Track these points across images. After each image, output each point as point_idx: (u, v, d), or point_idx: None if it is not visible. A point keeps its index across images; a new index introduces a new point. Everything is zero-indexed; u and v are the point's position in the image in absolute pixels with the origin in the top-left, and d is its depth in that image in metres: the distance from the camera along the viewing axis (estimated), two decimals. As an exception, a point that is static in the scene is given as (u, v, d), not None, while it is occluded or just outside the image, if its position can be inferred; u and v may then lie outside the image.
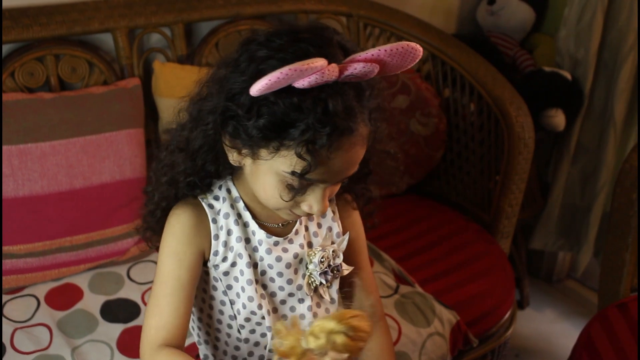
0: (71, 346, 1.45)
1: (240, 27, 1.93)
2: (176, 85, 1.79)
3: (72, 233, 1.63)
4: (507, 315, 1.75)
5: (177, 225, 1.02)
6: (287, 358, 0.76)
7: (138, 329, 1.50)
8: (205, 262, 1.04)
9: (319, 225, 1.11)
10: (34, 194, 1.58)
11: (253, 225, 1.05)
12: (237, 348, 1.10)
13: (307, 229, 1.10)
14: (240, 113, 0.90)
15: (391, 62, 0.89)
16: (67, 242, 1.63)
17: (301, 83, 0.85)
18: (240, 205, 1.05)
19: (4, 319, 1.51)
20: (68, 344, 1.45)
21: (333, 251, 1.09)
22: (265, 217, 1.06)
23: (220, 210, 1.04)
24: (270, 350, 1.09)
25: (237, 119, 0.91)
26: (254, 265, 1.05)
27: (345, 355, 0.76)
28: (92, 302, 1.58)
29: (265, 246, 1.05)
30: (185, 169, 1.01)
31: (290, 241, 1.07)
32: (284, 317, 1.10)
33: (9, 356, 1.42)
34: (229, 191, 1.05)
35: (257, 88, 0.85)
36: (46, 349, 1.44)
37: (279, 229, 1.07)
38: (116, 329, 1.50)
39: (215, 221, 1.03)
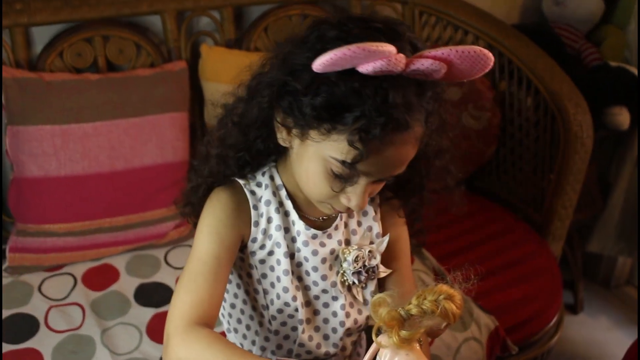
0: (102, 327, 1.46)
1: (291, 11, 1.89)
2: (223, 70, 1.77)
3: (111, 214, 1.64)
4: (552, 323, 1.67)
5: (219, 206, 1.00)
6: (389, 327, 0.78)
7: (169, 314, 1.50)
8: (242, 248, 1.02)
9: (359, 224, 1.08)
10: (75, 174, 1.60)
11: (293, 215, 1.02)
12: (266, 339, 1.08)
13: (346, 225, 1.06)
14: (298, 88, 0.88)
15: (460, 65, 0.85)
16: (107, 223, 1.64)
17: (366, 68, 0.82)
18: (283, 193, 1.02)
19: (41, 296, 1.54)
20: (99, 325, 1.46)
21: (369, 251, 1.05)
22: (306, 208, 1.03)
23: (262, 197, 1.02)
24: (300, 345, 1.07)
25: (294, 94, 0.89)
26: (291, 255, 1.03)
27: (445, 323, 0.78)
28: (127, 284, 1.59)
29: (303, 238, 1.02)
30: (236, 143, 0.99)
31: (329, 236, 1.04)
32: (317, 312, 1.07)
33: (42, 333, 1.44)
34: (272, 178, 1.03)
35: (320, 62, 0.82)
36: (78, 328, 1.46)
37: (319, 223, 1.05)
38: (147, 312, 1.51)
39: (256, 208, 1.01)
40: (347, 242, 1.06)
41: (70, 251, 1.62)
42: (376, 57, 0.81)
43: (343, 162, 0.88)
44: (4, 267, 1.60)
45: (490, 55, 0.85)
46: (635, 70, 2.02)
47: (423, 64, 0.84)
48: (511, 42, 1.88)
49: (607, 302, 2.43)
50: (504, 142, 1.95)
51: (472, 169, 1.96)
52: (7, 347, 1.41)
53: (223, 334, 1.16)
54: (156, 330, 1.46)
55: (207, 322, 0.92)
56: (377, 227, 1.08)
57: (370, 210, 1.08)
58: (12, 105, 1.57)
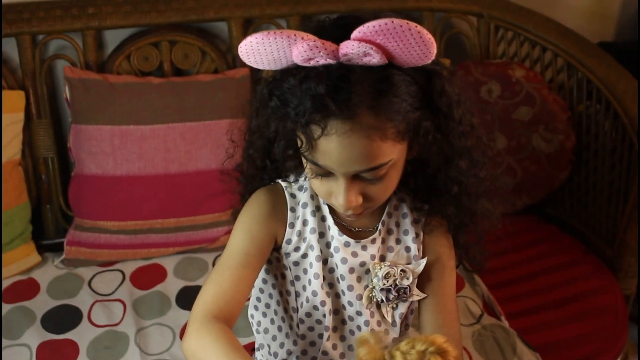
0: (138, 326, 1.49)
1: (360, 22, 1.85)
2: (285, 78, 1.77)
3: (163, 216, 1.67)
4: (611, 366, 1.53)
5: (255, 205, 1.02)
6: None
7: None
8: (278, 248, 1.03)
9: (398, 241, 1.04)
10: (130, 174, 1.64)
11: (329, 220, 1.02)
12: (294, 343, 1.07)
13: (384, 241, 1.03)
14: (264, 93, 0.91)
15: (389, 44, 0.81)
16: (158, 224, 1.67)
17: (296, 57, 0.83)
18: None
19: (90, 290, 1.59)
20: (136, 324, 1.49)
21: (402, 270, 1.01)
22: (343, 216, 1.01)
23: (300, 200, 1.02)
24: (324, 353, 1.05)
25: (265, 102, 0.92)
26: (324, 260, 1.02)
27: None
28: (171, 286, 1.61)
29: (335, 244, 1.01)
30: (259, 149, 1.01)
31: (364, 248, 1.02)
32: (344, 321, 1.05)
33: (83, 326, 1.49)
34: None
35: (239, 51, 0.86)
36: (116, 325, 1.50)
37: (356, 233, 1.03)
38: (184, 316, 1.52)
39: (293, 210, 1.02)
40: (382, 258, 1.03)
41: (122, 248, 1.67)
42: (291, 44, 0.82)
43: (300, 154, 0.89)
44: (60, 259, 1.67)
45: (413, 25, 0.79)
46: None
47: (347, 46, 0.81)
48: (592, 61, 1.75)
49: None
50: (579, 168, 1.82)
51: (542, 194, 1.84)
52: (47, 337, 1.46)
53: (251, 345, 1.15)
54: (188, 334, 1.47)
55: (227, 315, 0.93)
56: (415, 249, 1.03)
57: (412, 230, 1.04)
58: (76, 105, 1.64)
